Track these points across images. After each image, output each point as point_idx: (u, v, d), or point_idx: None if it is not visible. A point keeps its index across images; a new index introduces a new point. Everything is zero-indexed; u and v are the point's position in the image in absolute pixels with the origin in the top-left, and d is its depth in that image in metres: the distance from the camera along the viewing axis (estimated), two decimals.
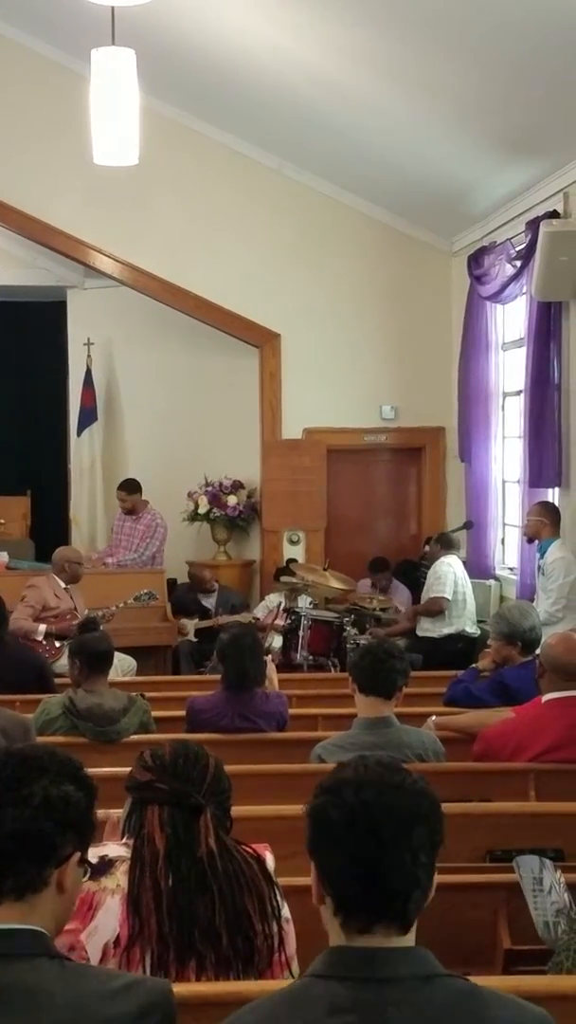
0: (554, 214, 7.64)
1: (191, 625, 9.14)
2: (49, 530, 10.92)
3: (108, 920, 2.41)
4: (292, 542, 10.02)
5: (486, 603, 8.80)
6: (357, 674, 4.38)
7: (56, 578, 7.85)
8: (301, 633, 7.96)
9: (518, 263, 8.16)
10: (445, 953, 1.91)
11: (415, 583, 9.33)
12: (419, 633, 8.73)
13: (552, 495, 7.94)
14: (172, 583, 9.66)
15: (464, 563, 8.88)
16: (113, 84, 6.58)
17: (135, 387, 10.78)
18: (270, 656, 5.94)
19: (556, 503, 7.78)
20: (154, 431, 10.59)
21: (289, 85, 8.15)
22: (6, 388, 12.33)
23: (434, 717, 4.93)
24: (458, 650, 8.38)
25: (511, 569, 8.84)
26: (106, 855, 2.51)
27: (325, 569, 8.72)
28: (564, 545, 7.45)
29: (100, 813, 2.85)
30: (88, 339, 10.67)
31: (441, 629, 8.61)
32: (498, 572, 9.17)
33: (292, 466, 9.96)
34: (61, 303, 11.13)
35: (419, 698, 5.49)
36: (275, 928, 2.44)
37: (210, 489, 10.03)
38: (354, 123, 8.39)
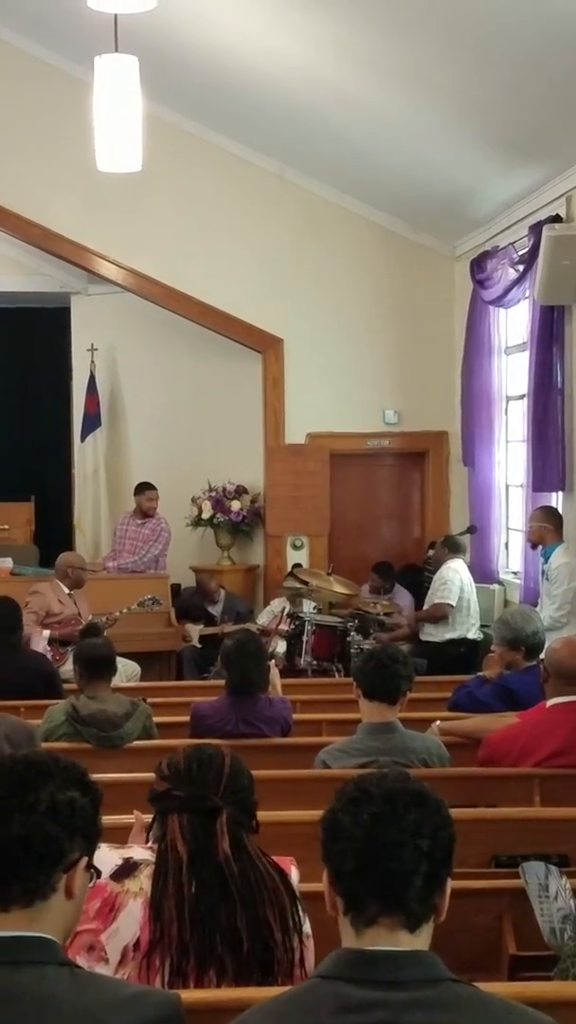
0: (557, 218, 7.63)
1: (195, 631, 9.13)
2: (53, 536, 10.91)
3: (129, 923, 2.41)
4: (295, 547, 10.02)
5: (490, 607, 8.78)
6: (361, 679, 4.37)
7: (60, 584, 7.86)
8: (305, 638, 7.96)
9: (521, 267, 8.16)
10: (450, 958, 1.91)
11: (418, 587, 9.32)
12: (422, 638, 8.74)
13: (555, 499, 7.94)
14: (176, 588, 9.65)
15: (468, 567, 8.88)
16: (116, 91, 6.60)
17: (139, 393, 10.78)
18: (274, 661, 5.94)
19: (559, 507, 7.78)
20: (158, 436, 10.59)
21: (290, 90, 8.15)
22: (10, 393, 12.32)
23: (438, 722, 4.94)
24: (460, 654, 8.39)
25: (515, 573, 8.84)
26: (131, 857, 2.51)
27: (329, 574, 8.72)
28: (568, 550, 7.44)
29: (134, 814, 2.87)
30: (92, 345, 10.68)
31: (444, 634, 8.62)
32: (502, 576, 9.16)
33: (295, 471, 9.96)
34: (65, 309, 11.14)
35: (423, 703, 5.46)
36: (296, 942, 2.43)
37: (214, 494, 10.03)
38: (356, 128, 8.40)
